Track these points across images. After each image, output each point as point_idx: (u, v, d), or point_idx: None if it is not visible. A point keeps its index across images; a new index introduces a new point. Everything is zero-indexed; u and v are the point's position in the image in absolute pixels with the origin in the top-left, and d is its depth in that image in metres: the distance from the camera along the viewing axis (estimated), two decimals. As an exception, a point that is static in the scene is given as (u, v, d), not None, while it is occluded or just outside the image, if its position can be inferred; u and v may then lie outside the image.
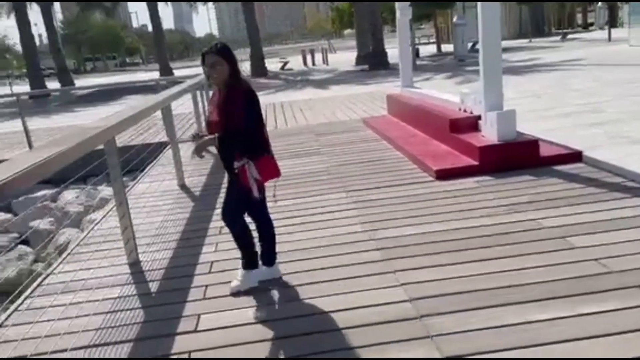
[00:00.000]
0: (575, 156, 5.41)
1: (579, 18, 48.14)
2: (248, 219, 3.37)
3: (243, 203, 3.22)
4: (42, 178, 2.56)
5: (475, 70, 16.29)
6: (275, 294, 3.24)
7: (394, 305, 2.91)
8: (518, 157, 5.32)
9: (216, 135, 3.02)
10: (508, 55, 20.32)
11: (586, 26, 45.18)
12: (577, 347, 2.38)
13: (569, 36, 32.50)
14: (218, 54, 2.99)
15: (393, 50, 23.40)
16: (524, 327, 2.58)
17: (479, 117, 5.87)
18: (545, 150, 5.47)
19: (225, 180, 6.03)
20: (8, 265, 6.90)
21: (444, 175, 5.27)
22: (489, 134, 5.59)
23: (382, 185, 5.23)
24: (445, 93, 7.65)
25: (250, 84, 3.12)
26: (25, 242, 7.21)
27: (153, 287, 3.55)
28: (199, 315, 3.05)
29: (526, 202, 4.35)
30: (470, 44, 24.98)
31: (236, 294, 3.26)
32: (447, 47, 31.17)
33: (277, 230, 4.21)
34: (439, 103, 7.17)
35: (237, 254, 3.86)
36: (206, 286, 3.44)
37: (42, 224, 7.71)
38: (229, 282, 3.42)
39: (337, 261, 3.56)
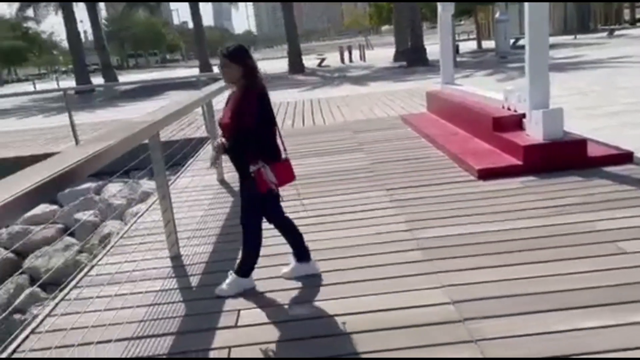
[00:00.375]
0: (626, 157, 5.20)
1: (626, 14, 46.30)
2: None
3: (258, 206, 3.21)
4: (92, 172, 2.62)
5: (517, 67, 15.89)
6: (314, 291, 3.22)
7: (436, 307, 2.85)
8: (564, 157, 5.15)
9: (223, 140, 3.09)
10: (553, 52, 19.69)
11: (634, 22, 43.40)
12: (627, 357, 2.28)
13: (616, 32, 31.30)
14: (228, 56, 3.02)
15: (431, 47, 23.15)
16: (572, 334, 2.49)
17: (524, 115, 5.71)
18: (593, 151, 5.28)
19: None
20: (55, 255, 7.14)
21: (486, 174, 5.15)
22: (534, 132, 5.43)
23: (423, 184, 5.15)
24: (488, 90, 7.47)
25: (265, 87, 3.08)
26: (70, 233, 7.45)
27: (194, 281, 3.60)
28: (239, 311, 3.07)
29: (574, 204, 4.20)
30: (512, 40, 24.38)
31: (277, 290, 3.27)
32: (488, 44, 30.52)
33: (317, 228, 4.25)
34: (481, 100, 7.01)
35: (277, 249, 3.90)
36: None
37: (87, 216, 7.93)
38: (269, 277, 3.44)
39: (377, 260, 3.52)
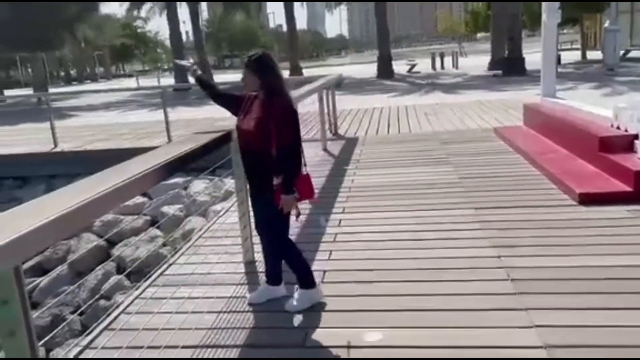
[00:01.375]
0: None
1: None
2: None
3: (283, 219, 3.05)
4: (180, 171, 2.68)
5: (627, 82, 14.62)
6: (389, 316, 2.99)
7: (525, 351, 2.54)
8: (684, 186, 4.54)
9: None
10: (669, 65, 17.96)
11: None
12: None
13: None
14: (246, 65, 2.91)
15: (528, 56, 21.93)
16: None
17: (636, 136, 5.13)
18: None
19: (345, 184, 5.94)
20: (140, 246, 7.44)
21: (589, 200, 4.66)
22: (648, 156, 4.85)
23: (516, 205, 4.75)
24: (594, 106, 6.84)
25: (290, 98, 2.94)
26: (156, 225, 7.74)
27: (265, 290, 3.50)
28: (307, 330, 2.92)
29: (695, 243, 3.66)
30: (622, 52, 22.54)
31: (348, 310, 3.09)
32: (593, 55, 28.51)
33: (396, 245, 4.03)
34: (586, 117, 6.41)
35: (352, 265, 3.74)
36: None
37: (173, 210, 8.20)
38: (342, 295, 3.28)
39: (461, 288, 3.23)
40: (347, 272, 3.62)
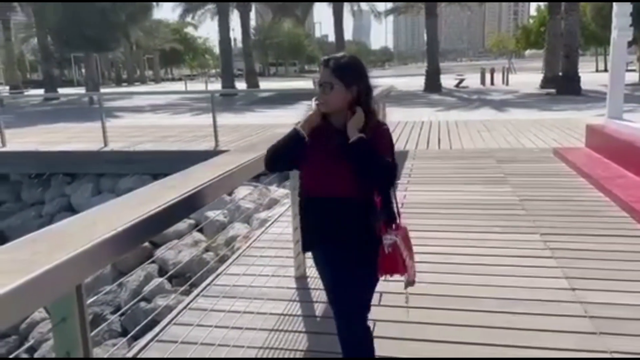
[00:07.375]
0: None
1: None
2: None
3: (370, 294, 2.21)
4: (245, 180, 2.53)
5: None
6: (450, 348, 2.75)
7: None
8: None
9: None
10: None
11: None
12: None
13: None
14: (334, 72, 1.95)
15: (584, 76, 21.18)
16: None
17: None
18: None
19: (397, 199, 5.69)
20: (183, 249, 7.38)
21: (669, 232, 4.28)
22: None
23: (586, 233, 4.41)
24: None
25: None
26: (199, 229, 7.68)
27: (318, 310, 3.30)
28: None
29: None
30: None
31: (402, 339, 2.86)
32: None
33: (458, 269, 3.77)
34: (660, 142, 5.99)
35: (411, 289, 3.49)
36: (374, 321, 3.08)
37: (216, 214, 8.13)
38: (400, 321, 3.05)
39: (534, 323, 2.95)
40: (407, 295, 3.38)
